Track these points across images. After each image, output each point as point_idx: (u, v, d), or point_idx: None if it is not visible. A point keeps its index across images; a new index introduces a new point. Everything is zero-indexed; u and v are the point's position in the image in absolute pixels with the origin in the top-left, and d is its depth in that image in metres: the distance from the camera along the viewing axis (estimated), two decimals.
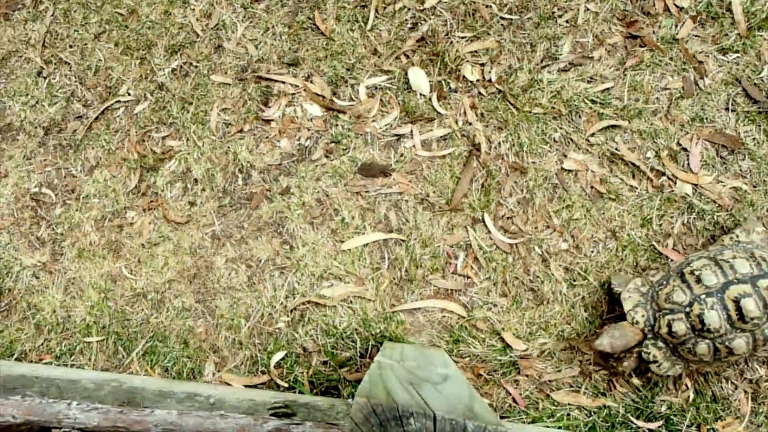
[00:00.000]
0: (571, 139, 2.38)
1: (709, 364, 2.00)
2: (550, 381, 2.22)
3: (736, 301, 1.85)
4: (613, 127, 2.37)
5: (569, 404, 2.18)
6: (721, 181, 2.27)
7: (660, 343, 2.00)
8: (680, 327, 1.91)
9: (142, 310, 2.44)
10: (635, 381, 2.17)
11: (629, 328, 2.01)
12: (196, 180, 2.53)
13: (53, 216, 2.60)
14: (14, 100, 2.76)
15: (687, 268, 1.98)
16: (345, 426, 1.16)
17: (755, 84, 2.32)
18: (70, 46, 2.79)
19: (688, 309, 1.92)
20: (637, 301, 2.04)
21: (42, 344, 2.45)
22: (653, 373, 2.06)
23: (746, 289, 1.85)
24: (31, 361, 2.42)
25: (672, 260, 2.21)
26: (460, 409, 1.20)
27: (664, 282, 2.03)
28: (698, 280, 1.92)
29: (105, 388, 2.02)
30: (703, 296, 1.90)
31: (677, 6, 2.41)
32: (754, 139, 2.28)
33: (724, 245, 2.05)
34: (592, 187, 2.34)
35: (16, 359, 2.43)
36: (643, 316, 2.01)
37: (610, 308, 2.23)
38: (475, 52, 2.50)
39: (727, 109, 2.33)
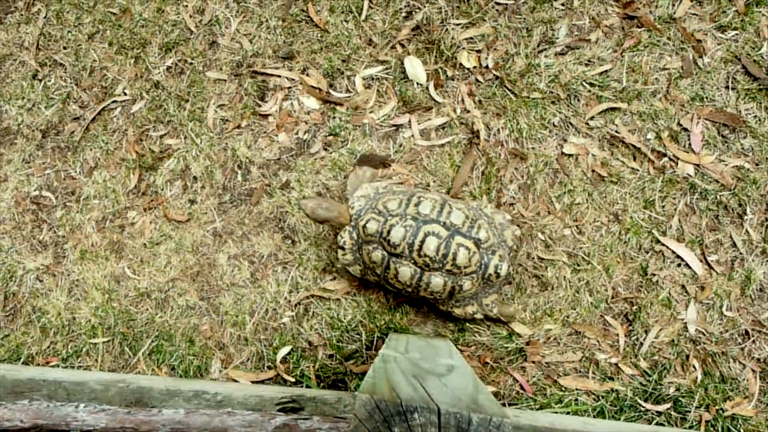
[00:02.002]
0: (571, 123, 2.36)
1: (378, 277, 2.10)
2: (557, 367, 2.21)
3: (426, 235, 1.96)
4: (613, 109, 2.35)
5: (577, 389, 2.18)
6: (723, 161, 2.26)
7: (354, 235, 2.11)
8: (373, 226, 2.04)
9: (147, 309, 2.44)
10: (642, 364, 2.17)
11: (340, 207, 2.13)
12: (195, 178, 2.52)
13: (54, 219, 2.60)
14: (11, 104, 2.75)
15: (416, 194, 2.09)
16: (352, 415, 1.15)
17: (755, 61, 2.30)
18: (64, 48, 2.77)
19: (388, 217, 2.04)
20: (365, 196, 2.16)
21: (48, 347, 2.45)
22: (337, 261, 2.15)
23: (441, 232, 1.97)
24: (38, 365, 2.43)
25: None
26: (464, 402, 1.19)
27: (391, 194, 2.14)
28: (417, 204, 2.03)
29: (112, 389, 2.02)
30: (408, 216, 2.01)
31: None
32: (755, 116, 2.26)
33: (472, 206, 2.16)
34: (593, 171, 2.32)
35: (23, 363, 2.43)
36: (359, 207, 2.12)
37: None
38: (471, 38, 2.48)
39: (727, 87, 2.31)
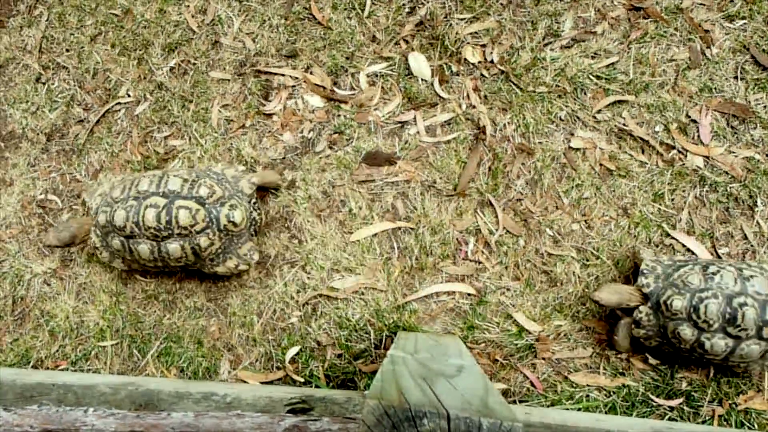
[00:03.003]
0: (578, 117, 2.34)
1: (135, 263, 2.26)
2: (567, 363, 2.20)
3: (145, 209, 2.11)
4: (620, 102, 2.32)
5: (588, 385, 2.16)
6: (733, 152, 2.23)
7: (98, 232, 2.26)
8: (102, 218, 2.19)
9: (155, 311, 2.44)
10: (652, 360, 2.15)
11: (80, 221, 2.27)
12: None
13: (60, 222, 2.60)
14: (15, 108, 2.74)
15: (139, 176, 2.26)
16: (360, 421, 1.14)
17: (764, 50, 2.27)
18: (67, 50, 2.77)
19: (113, 205, 2.18)
20: (102, 194, 2.28)
21: (57, 351, 2.46)
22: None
23: (159, 202, 2.12)
24: (48, 368, 2.43)
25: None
26: (474, 406, 1.18)
27: (119, 183, 2.27)
28: (137, 185, 2.19)
29: (122, 392, 2.02)
30: (130, 198, 2.16)
31: None
32: (765, 106, 2.23)
33: (200, 169, 2.35)
34: (601, 165, 2.30)
35: (32, 367, 2.44)
36: (95, 206, 2.25)
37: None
38: (476, 33, 2.46)
39: (736, 77, 2.28)
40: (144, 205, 2.10)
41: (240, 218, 2.16)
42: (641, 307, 2.03)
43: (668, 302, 1.96)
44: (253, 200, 2.27)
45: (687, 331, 1.93)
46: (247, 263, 2.28)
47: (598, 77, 2.34)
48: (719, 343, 1.90)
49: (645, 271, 2.05)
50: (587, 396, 2.15)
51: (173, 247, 2.12)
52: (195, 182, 2.17)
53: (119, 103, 2.66)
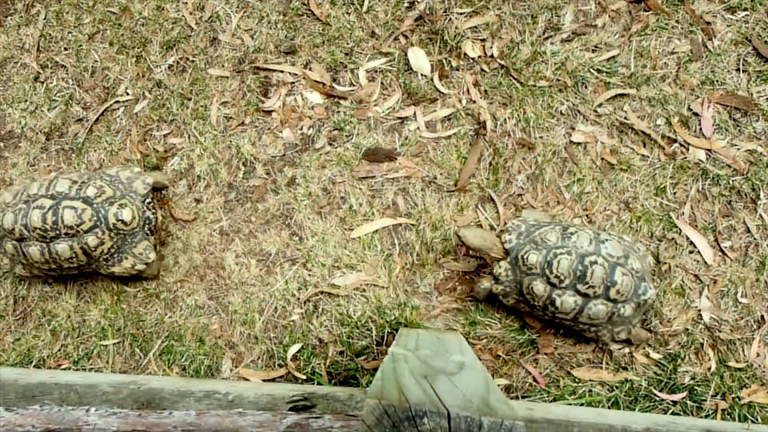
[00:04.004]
0: (579, 111, 2.33)
1: (41, 269, 2.26)
2: (569, 358, 2.19)
3: (31, 211, 2.12)
4: (621, 95, 2.31)
5: (590, 380, 2.16)
6: (736, 145, 2.22)
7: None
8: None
9: (156, 310, 2.44)
10: (654, 355, 2.14)
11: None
12: (199, 176, 2.51)
13: None
14: (13, 107, 2.74)
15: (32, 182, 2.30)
16: (360, 421, 1.14)
17: (766, 42, 2.25)
18: (65, 49, 2.76)
19: (6, 210, 2.18)
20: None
21: (59, 350, 2.45)
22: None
23: (45, 203, 2.12)
24: (50, 367, 2.43)
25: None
26: (475, 404, 1.17)
27: (21, 187, 2.29)
28: (28, 188, 2.23)
29: (124, 391, 2.02)
30: (21, 202, 2.17)
31: None
32: (767, 99, 2.22)
33: (93, 173, 2.35)
34: (602, 159, 2.29)
35: (34, 366, 2.44)
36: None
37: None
38: (475, 27, 2.44)
39: (738, 69, 2.26)
40: (31, 207, 2.13)
41: (129, 216, 2.20)
42: (501, 263, 2.10)
43: (525, 256, 2.02)
44: (148, 200, 2.31)
45: (540, 287, 1.99)
46: (144, 262, 2.30)
47: (598, 71, 2.33)
48: (569, 300, 1.96)
49: (510, 228, 2.12)
50: (590, 391, 2.15)
51: (62, 247, 2.14)
52: (84, 183, 2.20)
53: (118, 102, 2.65)
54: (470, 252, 2.29)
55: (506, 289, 2.10)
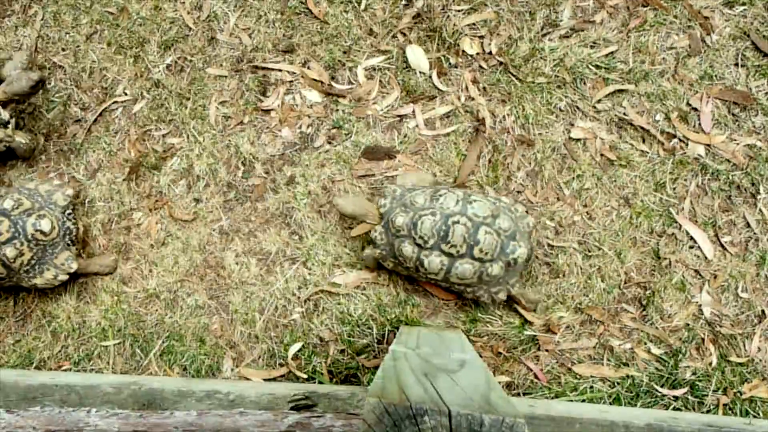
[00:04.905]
0: (578, 107, 2.32)
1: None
2: (571, 354, 2.19)
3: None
4: (620, 91, 2.31)
5: (592, 376, 2.16)
6: (735, 140, 2.21)
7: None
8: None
9: (156, 310, 2.43)
10: (655, 351, 2.14)
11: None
12: (199, 176, 2.50)
13: None
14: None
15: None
16: (361, 419, 1.14)
17: (764, 36, 2.25)
18: (63, 50, 2.75)
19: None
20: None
21: (60, 351, 2.45)
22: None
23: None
24: (50, 369, 2.43)
25: None
26: (476, 402, 1.17)
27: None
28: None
29: (125, 392, 2.02)
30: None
31: None
32: (766, 93, 2.22)
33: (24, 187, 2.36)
34: (601, 155, 2.28)
35: (35, 368, 2.43)
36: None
37: None
38: (473, 24, 2.44)
39: (736, 64, 2.26)
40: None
41: (48, 227, 2.21)
42: (377, 227, 2.14)
43: (393, 219, 2.05)
44: (68, 211, 2.32)
45: (408, 248, 2.02)
46: (66, 272, 2.30)
47: (597, 67, 2.32)
48: (435, 261, 1.99)
49: (386, 193, 2.16)
50: (591, 387, 2.15)
51: None
52: (1, 197, 2.22)
53: (116, 102, 2.65)
54: (349, 220, 2.35)
55: (383, 253, 2.14)
